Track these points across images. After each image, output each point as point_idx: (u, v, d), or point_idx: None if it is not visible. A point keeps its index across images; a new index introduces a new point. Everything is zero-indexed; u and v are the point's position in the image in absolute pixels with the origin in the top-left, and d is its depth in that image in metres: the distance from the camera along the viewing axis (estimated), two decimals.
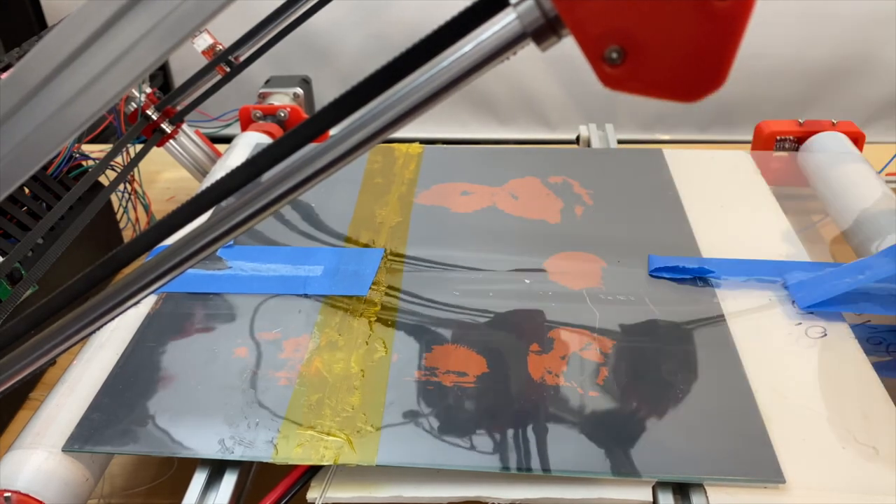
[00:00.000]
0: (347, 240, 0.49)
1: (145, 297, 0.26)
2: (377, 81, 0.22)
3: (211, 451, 0.34)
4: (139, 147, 0.57)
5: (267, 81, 0.72)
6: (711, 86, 0.19)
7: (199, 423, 0.35)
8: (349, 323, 0.41)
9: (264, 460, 0.33)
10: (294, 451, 0.34)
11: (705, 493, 0.32)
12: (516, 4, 0.20)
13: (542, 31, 0.20)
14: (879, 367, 0.38)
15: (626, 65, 0.20)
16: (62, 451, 0.34)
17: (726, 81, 0.20)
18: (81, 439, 0.35)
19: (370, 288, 0.44)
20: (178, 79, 1.06)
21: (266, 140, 0.62)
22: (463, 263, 0.46)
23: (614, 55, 0.20)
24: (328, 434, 0.34)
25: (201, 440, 0.35)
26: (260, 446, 0.34)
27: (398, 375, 0.38)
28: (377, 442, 0.34)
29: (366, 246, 0.48)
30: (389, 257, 0.47)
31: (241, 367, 0.39)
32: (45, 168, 0.50)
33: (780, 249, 0.47)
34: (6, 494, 0.32)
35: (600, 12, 0.19)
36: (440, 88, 0.22)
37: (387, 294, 0.43)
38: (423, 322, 0.41)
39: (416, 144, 0.59)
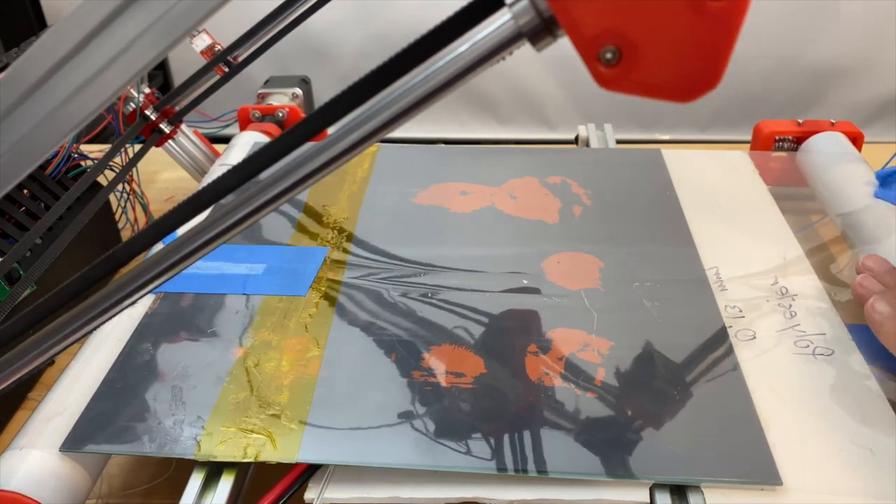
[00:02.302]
0: (294, 237, 0.49)
1: (142, 296, 0.26)
2: (374, 81, 0.22)
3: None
4: (138, 147, 0.57)
5: (266, 82, 0.72)
6: (707, 86, 0.19)
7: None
8: (285, 322, 0.41)
9: (186, 457, 0.34)
10: (216, 447, 0.34)
11: (702, 494, 0.32)
12: (511, 5, 0.20)
13: (538, 32, 0.20)
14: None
15: (621, 65, 0.20)
16: (60, 451, 0.34)
17: (724, 81, 0.20)
18: (79, 439, 0.35)
19: (311, 287, 0.44)
20: (178, 79, 1.06)
21: (264, 139, 0.62)
22: (461, 264, 0.46)
23: (609, 55, 0.20)
24: (251, 431, 0.35)
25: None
26: (184, 443, 0.34)
27: (328, 373, 0.38)
28: (300, 439, 0.34)
29: (316, 244, 0.48)
30: (333, 256, 0.47)
31: (239, 366, 0.39)
32: (43, 168, 0.50)
33: (777, 250, 0.47)
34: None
35: (595, 13, 0.19)
36: (437, 88, 0.22)
37: (328, 292, 0.44)
38: (421, 323, 0.41)
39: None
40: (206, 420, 0.35)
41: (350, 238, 0.49)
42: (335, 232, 0.49)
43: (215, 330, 0.41)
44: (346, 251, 0.48)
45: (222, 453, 0.34)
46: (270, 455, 0.34)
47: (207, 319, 0.42)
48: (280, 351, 0.40)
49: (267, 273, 0.45)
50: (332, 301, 0.43)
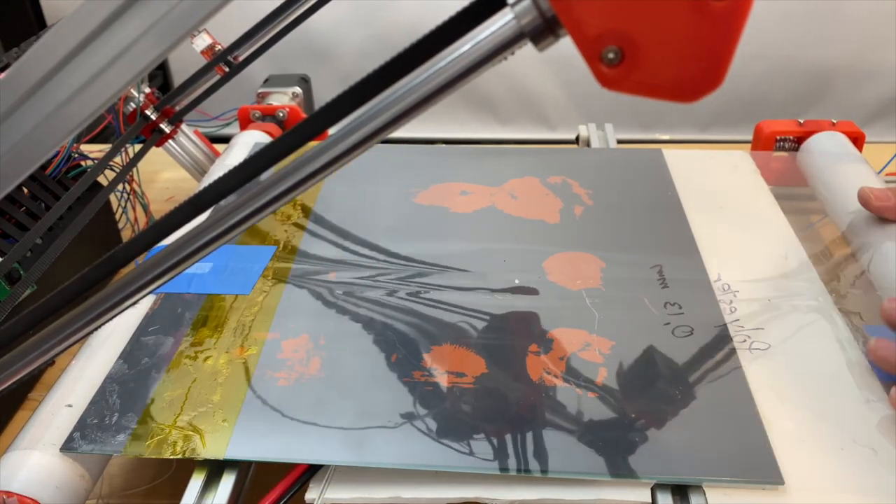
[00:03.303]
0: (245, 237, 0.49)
1: (143, 297, 0.26)
2: (375, 81, 0.22)
3: (210, 451, 0.34)
4: (138, 147, 0.57)
5: (266, 80, 0.72)
6: (709, 86, 0.19)
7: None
8: (226, 321, 0.42)
9: (115, 454, 0.34)
10: (146, 444, 0.34)
11: (704, 494, 0.32)
12: (514, 4, 0.20)
13: (540, 32, 0.20)
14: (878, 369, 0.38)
15: (623, 65, 0.20)
16: (60, 451, 0.34)
17: (725, 81, 0.20)
18: (79, 439, 0.35)
19: (255, 286, 0.44)
20: (178, 79, 1.06)
21: (265, 139, 0.62)
22: (462, 264, 0.46)
23: (611, 56, 0.20)
24: (182, 429, 0.35)
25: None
26: (114, 440, 0.34)
27: (328, 373, 0.38)
28: (229, 437, 0.34)
29: (266, 242, 0.48)
30: (333, 256, 0.47)
31: (238, 366, 0.39)
32: (43, 168, 0.50)
33: (778, 250, 0.47)
34: (6, 498, 0.32)
35: (597, 13, 0.19)
36: (438, 88, 0.22)
37: (271, 291, 0.44)
38: (421, 323, 0.41)
39: None
40: (139, 417, 0.36)
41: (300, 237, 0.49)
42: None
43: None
44: (346, 251, 0.47)
45: (150, 451, 0.34)
46: (199, 452, 0.34)
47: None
48: (218, 349, 0.40)
49: (213, 272, 0.45)
50: (275, 298, 0.43)
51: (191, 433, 0.35)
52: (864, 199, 0.38)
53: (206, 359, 0.39)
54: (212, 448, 0.34)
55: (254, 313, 0.42)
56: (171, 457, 0.34)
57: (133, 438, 0.35)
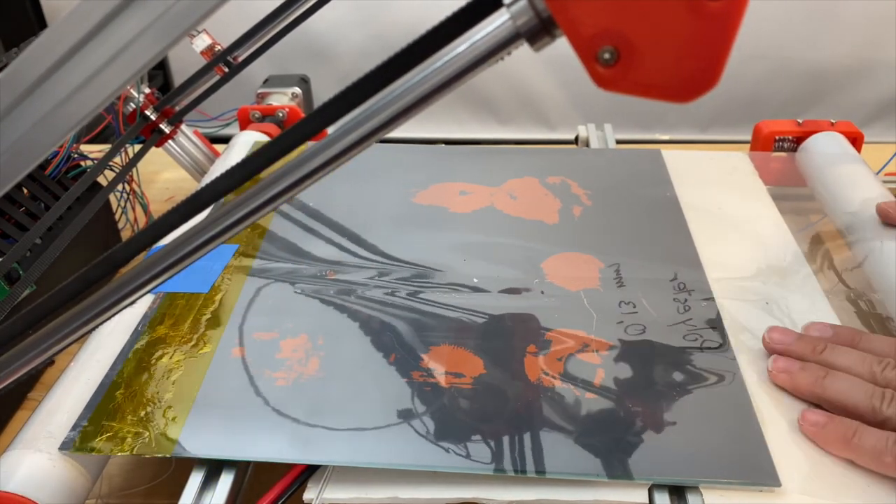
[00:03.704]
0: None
1: (142, 296, 0.26)
2: (373, 80, 0.22)
3: (209, 451, 0.34)
4: (138, 147, 0.57)
5: (265, 81, 0.72)
6: (705, 86, 0.19)
7: (196, 423, 0.35)
8: (182, 318, 0.42)
9: (65, 451, 0.34)
10: (95, 441, 0.34)
11: (701, 495, 0.32)
12: (510, 5, 0.20)
13: (536, 32, 0.20)
14: None
15: (619, 65, 0.20)
16: (59, 451, 0.34)
17: (724, 81, 0.20)
18: (79, 439, 0.35)
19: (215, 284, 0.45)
20: (178, 79, 1.06)
21: (264, 139, 0.62)
22: (460, 264, 0.46)
23: (607, 56, 0.20)
24: (131, 426, 0.35)
25: (198, 440, 0.35)
26: (64, 438, 0.35)
27: (326, 373, 0.38)
28: (177, 435, 0.35)
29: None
30: (332, 256, 0.47)
31: (238, 366, 0.39)
32: (43, 168, 0.50)
33: (777, 250, 0.47)
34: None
35: (593, 13, 0.19)
36: (435, 88, 0.22)
37: (228, 291, 0.44)
38: (420, 323, 0.41)
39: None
40: (90, 414, 0.36)
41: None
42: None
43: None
44: (345, 251, 0.47)
45: (99, 447, 0.34)
46: (146, 449, 0.34)
47: (268, 316, 0.42)
48: (172, 347, 0.40)
49: None
50: (233, 295, 0.43)
51: (140, 430, 0.35)
52: (883, 214, 0.38)
53: (160, 357, 0.39)
54: (159, 445, 0.34)
55: (211, 311, 0.42)
56: (121, 453, 0.34)
57: (82, 433, 0.35)
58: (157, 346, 0.40)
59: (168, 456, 0.34)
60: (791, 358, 0.37)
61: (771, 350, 0.38)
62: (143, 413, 0.36)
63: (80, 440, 0.35)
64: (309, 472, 0.34)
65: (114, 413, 0.36)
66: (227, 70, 0.57)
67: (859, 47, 0.99)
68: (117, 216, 0.61)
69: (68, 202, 0.48)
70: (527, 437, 0.34)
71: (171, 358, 0.39)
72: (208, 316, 0.42)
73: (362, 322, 0.41)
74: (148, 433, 0.35)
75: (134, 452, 0.34)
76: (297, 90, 0.69)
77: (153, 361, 0.39)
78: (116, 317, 0.27)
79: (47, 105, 0.22)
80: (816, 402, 0.35)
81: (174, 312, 0.43)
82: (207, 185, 0.24)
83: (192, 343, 0.40)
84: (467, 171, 0.56)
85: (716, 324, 0.40)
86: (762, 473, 0.32)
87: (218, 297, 0.43)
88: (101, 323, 0.27)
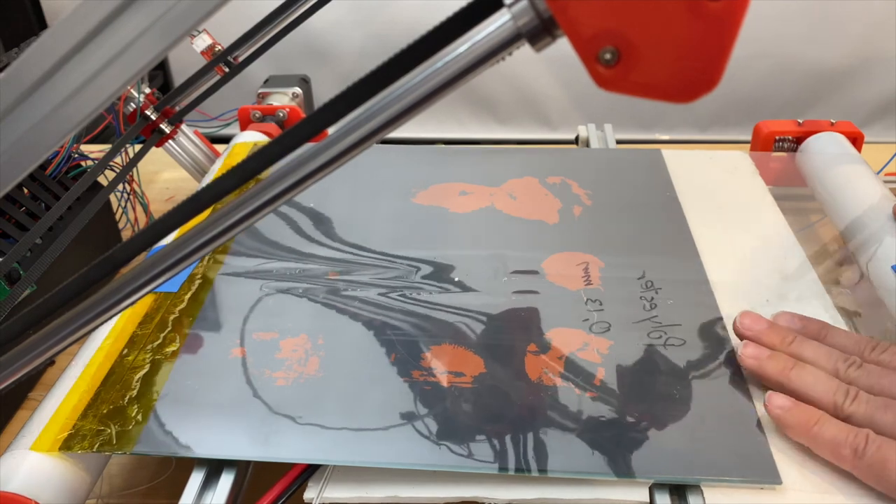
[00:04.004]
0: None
1: (142, 296, 0.26)
2: (374, 81, 0.22)
3: (209, 450, 0.34)
4: (138, 147, 0.57)
5: (266, 81, 0.72)
6: (706, 86, 0.19)
7: (196, 423, 0.35)
8: (150, 318, 0.42)
9: (65, 451, 0.34)
10: (57, 439, 0.34)
11: (702, 493, 0.32)
12: (511, 5, 0.20)
13: (537, 32, 0.20)
14: None
15: (619, 66, 0.20)
16: (60, 451, 0.34)
17: (724, 81, 0.20)
18: (79, 439, 0.35)
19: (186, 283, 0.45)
20: (178, 79, 1.06)
21: (264, 139, 0.62)
22: (461, 264, 0.46)
23: (608, 56, 0.20)
24: (93, 424, 0.35)
25: (198, 440, 0.35)
26: (25, 436, 0.35)
27: (327, 373, 0.38)
28: (139, 432, 0.35)
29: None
30: (333, 256, 0.47)
31: (237, 366, 0.39)
32: (43, 168, 0.50)
33: (777, 250, 0.47)
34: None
35: (594, 13, 0.19)
36: (436, 88, 0.22)
37: (198, 291, 0.44)
38: (420, 322, 0.41)
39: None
40: (52, 412, 0.36)
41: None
42: None
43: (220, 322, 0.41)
44: (345, 251, 0.48)
45: (61, 445, 0.34)
46: (108, 447, 0.34)
47: (267, 317, 0.42)
48: (138, 346, 0.40)
49: None
50: (202, 294, 0.44)
51: (102, 428, 0.35)
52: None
53: (125, 355, 0.40)
54: (121, 442, 0.34)
55: (178, 310, 0.43)
56: (82, 452, 0.34)
57: (44, 431, 0.35)
58: (125, 344, 0.40)
59: (129, 453, 0.34)
60: (760, 345, 0.37)
61: (741, 335, 0.39)
62: (105, 411, 0.36)
63: (40, 438, 0.35)
64: (309, 472, 0.34)
65: (77, 411, 0.36)
66: (227, 70, 0.57)
67: (860, 47, 1.00)
68: (117, 216, 0.61)
69: (69, 202, 0.48)
70: (528, 436, 0.34)
71: (136, 356, 0.40)
72: (176, 315, 0.42)
73: (362, 322, 0.41)
74: (109, 430, 0.35)
75: (96, 450, 0.34)
76: (298, 90, 0.69)
77: (119, 360, 0.39)
78: (116, 317, 0.27)
79: (48, 105, 0.22)
80: (781, 392, 0.35)
81: (142, 311, 0.43)
82: (208, 186, 0.24)
83: (159, 342, 0.40)
84: (467, 171, 0.56)
85: (681, 321, 0.41)
86: (763, 471, 0.32)
87: (186, 297, 0.44)
88: (102, 323, 0.27)
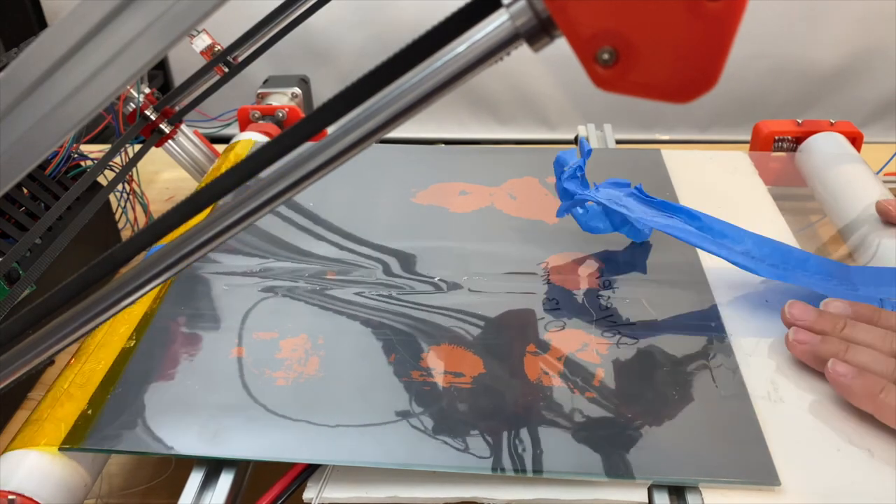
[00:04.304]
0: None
1: (142, 296, 0.26)
2: (373, 80, 0.22)
3: (209, 450, 0.34)
4: (138, 147, 0.57)
5: (265, 81, 0.72)
6: (704, 86, 0.19)
7: (196, 423, 0.35)
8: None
9: (65, 450, 0.34)
10: (56, 438, 0.35)
11: (700, 494, 0.32)
12: (509, 5, 0.20)
13: (535, 32, 0.20)
14: None
15: (618, 66, 0.20)
16: (59, 450, 0.34)
17: (723, 81, 0.20)
18: (78, 439, 0.35)
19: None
20: (178, 79, 1.06)
21: (264, 139, 0.62)
22: (460, 264, 0.46)
23: (606, 56, 0.20)
24: (44, 421, 0.36)
25: (198, 439, 0.35)
26: (24, 436, 0.35)
27: (326, 373, 0.38)
28: (88, 428, 0.35)
29: None
30: (333, 255, 0.47)
31: (237, 366, 0.39)
32: (43, 168, 0.50)
33: None
34: (10, 497, 0.32)
35: (592, 13, 0.19)
36: (435, 88, 0.22)
37: (159, 289, 0.44)
38: (419, 322, 0.41)
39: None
40: (53, 411, 0.37)
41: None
42: None
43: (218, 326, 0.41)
44: (345, 250, 0.48)
45: (17, 443, 0.35)
46: (55, 444, 0.35)
47: (266, 318, 0.42)
48: (95, 340, 0.41)
49: None
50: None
51: (57, 424, 0.36)
52: (884, 212, 0.38)
53: (82, 352, 0.40)
54: (71, 440, 0.35)
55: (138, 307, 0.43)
56: (81, 451, 0.34)
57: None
58: (92, 343, 0.41)
59: (128, 453, 0.35)
60: (810, 332, 0.37)
61: (791, 325, 0.38)
62: (61, 409, 0.36)
63: (39, 438, 0.35)
64: (309, 472, 0.34)
65: (77, 410, 0.36)
66: (227, 70, 0.57)
67: (859, 47, 0.99)
68: (117, 216, 0.61)
69: (68, 202, 0.48)
70: (526, 437, 0.34)
71: (99, 356, 0.40)
72: (135, 311, 0.42)
73: (362, 322, 0.41)
74: (63, 426, 0.35)
75: (37, 448, 0.34)
76: (297, 90, 0.69)
77: (76, 356, 0.40)
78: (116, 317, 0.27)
79: (47, 105, 0.22)
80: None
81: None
82: (207, 185, 0.24)
83: (121, 341, 0.41)
84: (467, 171, 0.56)
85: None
86: (762, 472, 0.32)
87: (154, 293, 0.44)
88: (102, 323, 0.27)
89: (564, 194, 0.45)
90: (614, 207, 0.44)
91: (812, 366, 0.37)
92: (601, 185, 0.45)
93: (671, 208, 0.45)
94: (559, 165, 0.45)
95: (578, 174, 0.45)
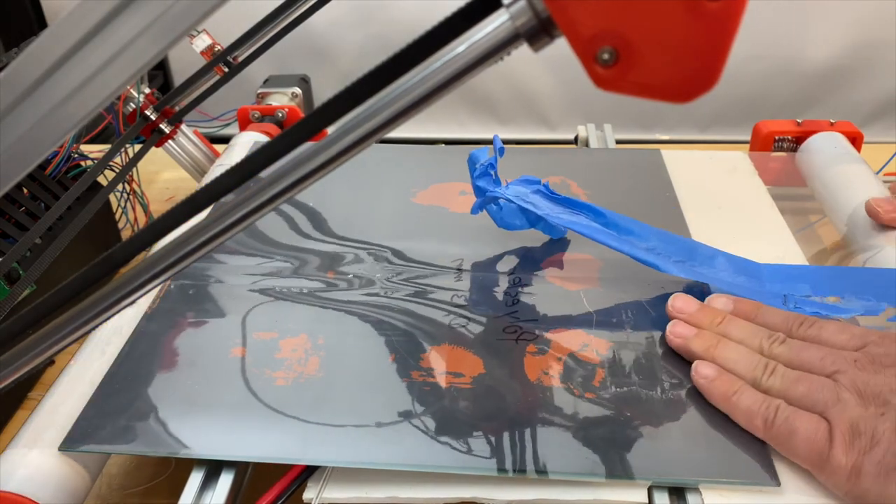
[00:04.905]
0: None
1: (142, 296, 0.26)
2: (373, 80, 0.22)
3: (208, 450, 0.34)
4: (138, 147, 0.57)
5: (266, 81, 0.72)
6: (704, 86, 0.19)
7: (196, 423, 0.35)
8: None
9: (65, 451, 0.34)
10: (56, 439, 0.35)
11: (701, 495, 0.32)
12: (509, 5, 0.20)
13: (535, 32, 0.20)
14: None
15: (618, 66, 0.20)
16: (59, 450, 0.34)
17: (723, 81, 0.20)
18: (78, 439, 0.35)
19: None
20: (178, 79, 1.06)
21: (264, 139, 0.63)
22: (460, 264, 0.46)
23: (606, 56, 0.20)
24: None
25: (198, 440, 0.35)
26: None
27: (326, 373, 0.38)
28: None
29: None
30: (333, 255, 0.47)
31: (237, 366, 0.39)
32: (43, 168, 0.50)
33: (776, 250, 0.47)
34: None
35: (592, 13, 0.19)
36: (434, 88, 0.22)
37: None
38: (419, 322, 0.41)
39: None
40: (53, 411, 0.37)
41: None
42: None
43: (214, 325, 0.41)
44: (345, 251, 0.47)
45: (64, 444, 0.35)
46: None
47: (267, 319, 0.42)
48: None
49: None
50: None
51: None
52: (872, 212, 0.39)
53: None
54: (68, 439, 0.35)
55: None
56: (81, 451, 0.35)
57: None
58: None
59: (128, 453, 0.35)
60: (688, 325, 0.38)
61: (673, 317, 0.40)
62: (61, 407, 0.37)
63: (39, 438, 0.35)
64: (309, 472, 0.34)
65: (77, 410, 0.37)
66: (227, 70, 0.57)
67: (859, 47, 1.00)
68: (117, 216, 0.61)
69: (68, 202, 0.48)
70: (526, 437, 0.34)
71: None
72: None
73: (362, 321, 0.41)
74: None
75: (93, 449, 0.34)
76: (297, 90, 0.69)
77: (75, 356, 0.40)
78: (116, 316, 0.27)
79: (47, 105, 0.22)
80: None
81: None
82: (207, 185, 0.24)
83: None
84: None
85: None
86: (762, 473, 0.32)
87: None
88: (102, 323, 0.27)
89: (478, 191, 0.45)
90: (521, 204, 0.44)
91: (687, 359, 0.38)
92: (512, 182, 0.45)
93: (577, 205, 0.45)
94: (472, 163, 0.46)
95: (490, 171, 0.45)
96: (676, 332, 0.38)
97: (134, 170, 0.59)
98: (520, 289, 0.43)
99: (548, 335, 0.40)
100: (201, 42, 0.60)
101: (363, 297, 0.43)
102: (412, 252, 0.47)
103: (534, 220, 0.47)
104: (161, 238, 0.26)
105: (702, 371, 0.36)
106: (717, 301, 0.40)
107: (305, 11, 0.56)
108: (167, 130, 0.59)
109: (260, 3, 0.56)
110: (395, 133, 0.23)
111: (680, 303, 0.40)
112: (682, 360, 0.38)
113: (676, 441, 0.34)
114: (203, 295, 0.44)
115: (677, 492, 0.32)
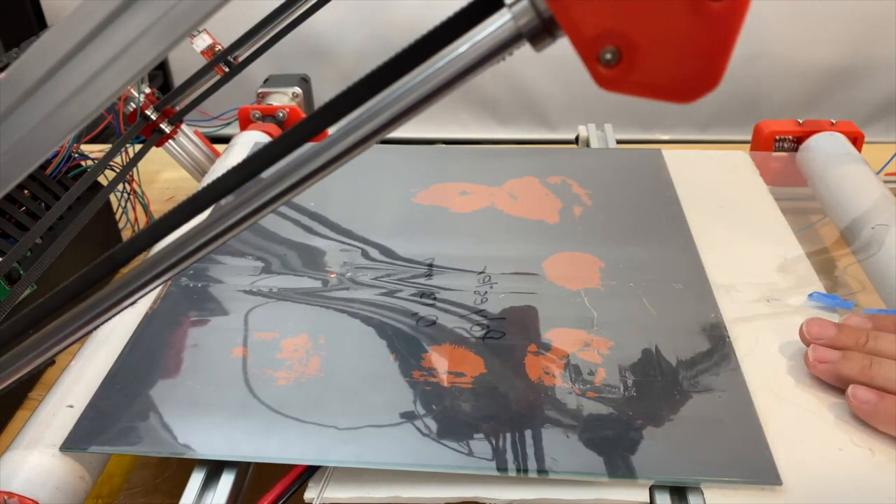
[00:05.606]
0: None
1: (143, 296, 0.26)
2: (374, 81, 0.22)
3: (209, 450, 0.34)
4: (138, 147, 0.57)
5: (266, 80, 0.72)
6: (707, 86, 0.19)
7: (197, 423, 0.35)
8: None
9: (65, 451, 0.34)
10: (57, 439, 0.35)
11: (702, 494, 0.32)
12: (511, 5, 0.20)
13: (537, 32, 0.20)
14: None
15: (620, 66, 0.20)
16: (60, 451, 0.34)
17: (724, 81, 0.20)
18: (79, 439, 0.35)
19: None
20: (178, 79, 1.06)
21: (265, 139, 0.62)
22: (461, 264, 0.46)
23: (609, 56, 0.20)
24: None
25: (199, 440, 0.35)
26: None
27: (327, 373, 0.38)
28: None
29: None
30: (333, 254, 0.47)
31: (238, 366, 0.39)
32: (43, 168, 0.50)
33: (777, 250, 0.47)
34: (7, 499, 0.32)
35: (595, 13, 0.19)
36: (436, 88, 0.22)
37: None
38: (420, 322, 0.41)
39: None
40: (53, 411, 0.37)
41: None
42: None
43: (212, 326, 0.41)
44: (345, 251, 0.47)
45: (65, 444, 0.35)
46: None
47: (267, 319, 0.42)
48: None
49: None
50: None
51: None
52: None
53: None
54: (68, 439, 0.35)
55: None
56: (81, 451, 0.35)
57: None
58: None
59: (129, 453, 0.35)
60: (830, 348, 0.36)
61: (810, 344, 0.37)
62: (61, 407, 0.37)
63: (40, 438, 0.35)
64: (310, 472, 0.34)
65: (77, 412, 0.37)
66: (227, 70, 0.57)
67: (860, 47, 1.00)
68: (118, 216, 0.61)
69: (69, 202, 0.48)
70: (528, 437, 0.34)
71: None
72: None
73: (363, 322, 0.41)
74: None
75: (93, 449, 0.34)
76: (298, 90, 0.69)
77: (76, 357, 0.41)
78: (117, 317, 0.27)
79: (48, 105, 0.22)
80: None
81: None
82: (208, 186, 0.24)
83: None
84: (468, 171, 0.56)
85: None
86: (763, 472, 0.32)
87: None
88: (102, 323, 0.27)
89: None
90: None
91: (835, 384, 0.35)
92: None
93: None
94: None
95: None
96: (821, 357, 0.35)
97: (134, 170, 0.59)
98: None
99: (549, 335, 0.40)
100: (202, 42, 0.60)
101: (364, 297, 0.43)
102: (413, 252, 0.47)
103: None
104: (162, 239, 0.26)
105: (862, 396, 0.33)
106: (855, 321, 0.37)
107: (305, 11, 0.56)
108: (167, 130, 0.59)
109: (260, 3, 0.56)
110: (396, 133, 0.23)
111: (816, 327, 0.37)
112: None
113: (678, 440, 0.34)
114: (204, 295, 0.44)
115: (679, 491, 0.32)
